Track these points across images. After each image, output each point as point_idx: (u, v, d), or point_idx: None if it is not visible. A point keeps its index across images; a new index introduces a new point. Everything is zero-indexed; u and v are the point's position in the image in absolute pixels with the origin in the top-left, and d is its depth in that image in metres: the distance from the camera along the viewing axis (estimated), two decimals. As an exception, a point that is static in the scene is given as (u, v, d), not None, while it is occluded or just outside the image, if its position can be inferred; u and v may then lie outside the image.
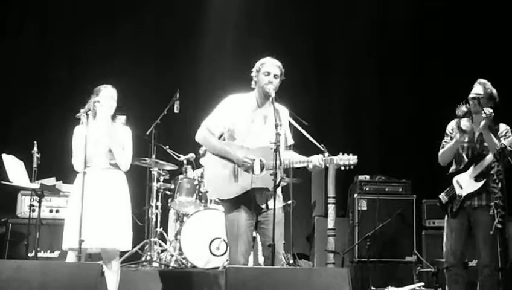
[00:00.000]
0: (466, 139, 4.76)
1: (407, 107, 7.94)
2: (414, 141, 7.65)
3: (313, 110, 7.66)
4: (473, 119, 4.76)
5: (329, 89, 8.18)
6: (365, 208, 6.65)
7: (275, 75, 4.21)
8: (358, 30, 8.11)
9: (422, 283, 5.89)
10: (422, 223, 6.76)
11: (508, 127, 4.73)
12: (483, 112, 4.57)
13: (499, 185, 4.63)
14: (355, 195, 6.72)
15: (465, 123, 4.75)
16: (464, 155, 4.76)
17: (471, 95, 4.73)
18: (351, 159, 4.12)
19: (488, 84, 4.73)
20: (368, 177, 6.86)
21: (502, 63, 7.51)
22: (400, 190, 6.82)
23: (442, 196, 4.82)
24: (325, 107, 8.13)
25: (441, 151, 4.86)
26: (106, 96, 4.71)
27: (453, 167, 4.84)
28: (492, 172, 4.68)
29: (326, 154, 4.14)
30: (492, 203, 4.62)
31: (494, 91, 4.71)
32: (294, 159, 4.19)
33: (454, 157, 4.82)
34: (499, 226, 4.54)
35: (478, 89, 4.74)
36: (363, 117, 8.16)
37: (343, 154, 4.14)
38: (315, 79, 8.16)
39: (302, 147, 4.58)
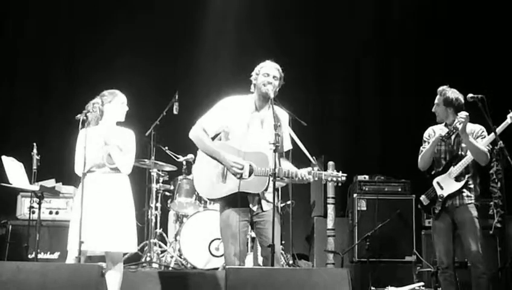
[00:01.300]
0: (442, 146, 4.81)
1: (407, 107, 7.94)
2: (413, 140, 7.64)
3: (312, 111, 7.67)
4: (447, 125, 4.81)
5: (328, 89, 8.18)
6: (364, 208, 6.65)
7: (274, 77, 4.22)
8: (358, 30, 8.12)
9: (422, 283, 5.89)
10: (421, 223, 6.75)
11: (482, 128, 4.76)
12: (458, 116, 4.59)
13: (498, 184, 4.65)
14: (355, 195, 6.72)
15: (445, 130, 4.77)
16: (442, 158, 4.81)
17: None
18: (339, 176, 4.13)
19: (445, 91, 4.78)
20: (367, 177, 6.85)
21: (501, 63, 7.53)
22: (399, 189, 6.81)
23: (423, 198, 4.86)
24: (325, 108, 8.13)
25: (419, 157, 4.90)
26: (121, 102, 4.74)
27: (434, 170, 4.88)
28: (491, 171, 4.69)
29: (316, 168, 4.15)
30: (474, 202, 4.64)
31: (451, 96, 4.73)
32: (285, 169, 4.15)
33: (434, 160, 4.85)
34: (499, 225, 4.55)
35: (436, 98, 4.82)
36: (363, 117, 8.16)
37: (333, 171, 4.17)
38: (314, 79, 8.16)
39: (295, 156, 4.59)
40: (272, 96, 4.16)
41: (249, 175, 4.09)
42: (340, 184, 4.18)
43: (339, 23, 8.15)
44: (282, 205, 6.18)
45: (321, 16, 8.17)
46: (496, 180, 4.67)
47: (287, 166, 4.22)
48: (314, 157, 4.67)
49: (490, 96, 4.65)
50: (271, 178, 3.97)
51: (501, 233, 5.06)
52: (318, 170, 4.13)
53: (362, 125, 8.14)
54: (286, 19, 8.10)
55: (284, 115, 4.40)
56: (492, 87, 6.18)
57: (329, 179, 4.13)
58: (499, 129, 4.56)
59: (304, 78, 7.73)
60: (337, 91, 8.18)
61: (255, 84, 4.27)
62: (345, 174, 4.15)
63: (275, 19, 8.06)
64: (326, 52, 8.20)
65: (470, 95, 4.69)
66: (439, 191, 4.75)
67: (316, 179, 4.13)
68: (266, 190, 4.09)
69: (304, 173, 4.12)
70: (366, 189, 6.78)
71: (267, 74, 4.22)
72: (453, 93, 4.75)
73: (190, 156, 6.57)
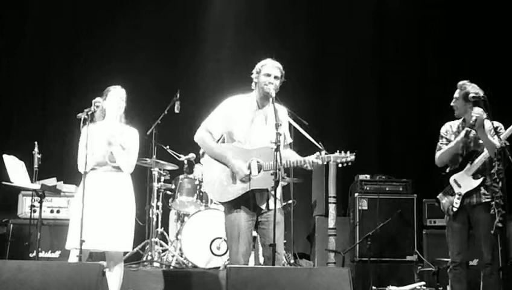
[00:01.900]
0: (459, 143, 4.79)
1: (408, 106, 7.94)
2: (414, 140, 7.65)
3: (313, 110, 7.66)
4: (465, 120, 4.78)
5: (329, 88, 8.17)
6: (366, 208, 6.64)
7: (275, 77, 4.22)
8: (358, 30, 8.11)
9: (423, 282, 5.89)
10: (423, 222, 6.75)
11: (501, 125, 4.72)
12: (473, 111, 4.57)
13: (500, 184, 4.62)
14: (356, 194, 6.71)
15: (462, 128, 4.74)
16: (459, 154, 4.77)
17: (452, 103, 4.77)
18: (348, 157, 4.14)
19: (465, 85, 4.72)
20: (368, 176, 6.84)
21: (501, 63, 7.51)
22: (401, 189, 6.80)
23: (441, 197, 4.82)
24: (325, 107, 8.12)
25: (438, 153, 4.86)
26: (115, 96, 4.72)
27: (449, 167, 4.85)
28: (492, 171, 4.67)
29: (324, 152, 4.15)
30: (490, 201, 4.63)
31: (472, 90, 4.66)
32: (292, 158, 4.20)
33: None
34: (500, 225, 4.53)
35: (456, 92, 4.77)
36: (364, 116, 8.15)
37: (340, 152, 4.15)
38: (315, 78, 8.15)
39: (301, 146, 4.59)
40: (273, 95, 4.17)
41: (258, 172, 4.10)
42: (350, 164, 4.15)
43: (339, 23, 8.13)
44: (283, 204, 6.18)
45: (322, 15, 8.16)
46: (497, 180, 4.65)
47: (293, 156, 4.24)
48: (320, 143, 4.67)
49: (492, 96, 4.65)
50: (279, 172, 3.96)
51: (502, 233, 5.05)
52: (326, 153, 4.13)
53: (363, 124, 8.13)
54: (287, 18, 8.09)
55: (282, 110, 4.40)
56: (493, 86, 6.18)
57: (338, 160, 4.13)
58: (504, 135, 4.56)
59: (304, 78, 7.72)
60: (339, 90, 8.16)
61: (256, 83, 4.28)
62: (354, 153, 4.15)
63: (275, 18, 8.05)
64: (326, 52, 8.19)
65: (472, 94, 4.67)
66: (456, 189, 4.72)
67: (325, 162, 4.13)
68: (277, 185, 4.09)
69: (311, 159, 4.13)
70: (368, 188, 6.77)
71: (269, 73, 4.22)
72: (473, 88, 4.68)
73: (191, 155, 6.58)
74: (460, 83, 4.76)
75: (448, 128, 4.87)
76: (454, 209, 4.71)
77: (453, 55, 7.80)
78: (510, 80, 7.42)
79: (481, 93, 4.66)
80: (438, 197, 4.85)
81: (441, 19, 8.00)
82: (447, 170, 4.84)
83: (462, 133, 4.74)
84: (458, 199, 4.70)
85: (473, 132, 4.71)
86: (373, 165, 7.33)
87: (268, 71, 4.23)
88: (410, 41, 8.11)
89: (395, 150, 7.81)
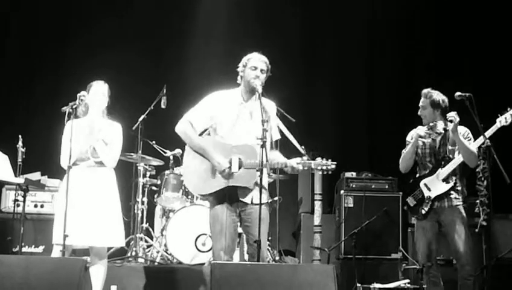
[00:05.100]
0: (420, 144, 4.80)
1: (394, 104, 7.95)
2: (401, 138, 7.65)
3: (301, 107, 7.65)
4: (432, 128, 4.81)
5: (317, 85, 8.17)
6: (351, 205, 6.64)
7: (261, 70, 4.20)
8: (348, 27, 8.11)
9: (407, 280, 5.91)
10: (408, 220, 6.76)
11: (467, 130, 4.77)
12: (448, 116, 4.60)
13: (485, 183, 4.65)
14: (342, 192, 6.71)
15: (423, 129, 4.78)
16: (427, 161, 4.80)
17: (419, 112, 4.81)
18: (328, 165, 4.12)
19: (430, 93, 4.79)
20: (354, 174, 6.84)
21: (494, 64, 7.55)
22: (386, 187, 6.80)
23: (410, 200, 4.87)
24: (313, 104, 8.11)
25: (400, 158, 4.91)
26: (97, 91, 4.69)
27: (419, 173, 4.88)
28: (477, 169, 4.70)
29: (305, 157, 4.13)
30: (462, 204, 4.65)
31: (438, 97, 4.75)
32: (274, 160, 4.17)
33: (419, 163, 4.87)
34: (484, 223, 4.56)
35: (421, 101, 4.83)
36: (351, 114, 8.16)
37: (322, 159, 4.13)
38: (304, 76, 8.15)
39: (284, 146, 4.58)
40: (260, 90, 4.14)
41: (239, 168, 4.08)
42: (330, 172, 4.14)
43: (328, 21, 8.13)
44: (269, 201, 6.16)
45: (311, 13, 8.15)
46: (482, 179, 4.69)
47: (276, 157, 4.22)
48: (303, 147, 4.66)
49: (476, 96, 4.67)
50: (258, 173, 3.95)
51: (486, 231, 5.08)
52: (307, 159, 4.11)
53: (351, 122, 8.14)
54: (275, 16, 8.07)
55: (271, 106, 4.38)
56: (480, 87, 6.21)
57: (318, 167, 4.11)
58: (488, 133, 4.57)
59: (292, 75, 7.71)
60: (326, 88, 8.17)
61: (242, 76, 4.26)
62: (335, 163, 4.13)
63: (264, 16, 8.03)
64: (316, 49, 8.19)
65: (458, 93, 4.69)
66: (426, 193, 4.76)
67: (306, 168, 4.10)
68: (256, 183, 4.06)
69: (293, 162, 4.11)
70: (353, 186, 6.77)
71: (255, 67, 4.20)
72: (438, 95, 4.78)
73: (177, 151, 6.55)
74: (425, 91, 4.84)
75: (414, 134, 4.90)
76: (423, 211, 4.74)
77: (444, 54, 7.82)
78: (496, 80, 7.46)
79: (446, 100, 4.73)
80: (407, 200, 4.89)
81: (433, 17, 8.03)
82: (417, 175, 4.88)
83: (413, 139, 4.76)
84: (427, 202, 4.74)
85: (426, 136, 4.75)
86: (359, 163, 7.34)
87: (255, 64, 4.20)
88: (401, 39, 8.12)
89: (381, 148, 7.83)
